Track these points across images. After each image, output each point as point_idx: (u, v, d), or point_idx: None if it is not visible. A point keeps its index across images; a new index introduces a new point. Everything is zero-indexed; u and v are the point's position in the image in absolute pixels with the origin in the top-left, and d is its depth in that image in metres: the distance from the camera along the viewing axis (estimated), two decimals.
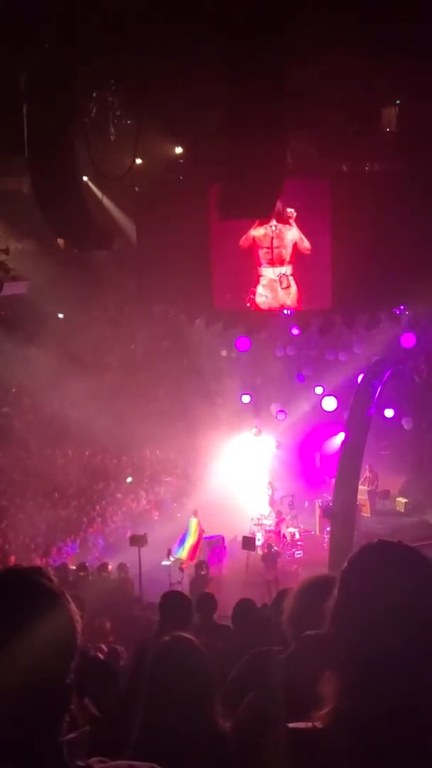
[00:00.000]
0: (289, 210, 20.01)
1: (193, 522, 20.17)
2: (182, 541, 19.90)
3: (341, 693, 1.81)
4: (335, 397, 24.16)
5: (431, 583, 1.84)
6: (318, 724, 1.84)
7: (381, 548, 1.93)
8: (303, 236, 20.53)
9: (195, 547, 19.82)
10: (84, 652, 5.85)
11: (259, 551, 19.68)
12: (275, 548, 19.50)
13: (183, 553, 19.58)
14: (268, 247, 20.94)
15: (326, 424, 24.11)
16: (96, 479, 24.58)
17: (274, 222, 20.25)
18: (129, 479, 24.49)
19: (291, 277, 20.86)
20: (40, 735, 1.66)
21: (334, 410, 23.57)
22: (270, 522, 21.11)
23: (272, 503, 22.28)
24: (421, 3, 12.30)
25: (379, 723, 1.75)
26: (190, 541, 19.91)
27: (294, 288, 21.09)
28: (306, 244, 20.46)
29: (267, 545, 19.53)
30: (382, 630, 1.77)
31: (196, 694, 2.45)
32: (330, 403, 23.58)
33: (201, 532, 20.02)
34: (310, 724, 1.85)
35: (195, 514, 20.47)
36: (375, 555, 1.91)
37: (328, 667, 1.87)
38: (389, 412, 23.06)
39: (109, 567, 18.60)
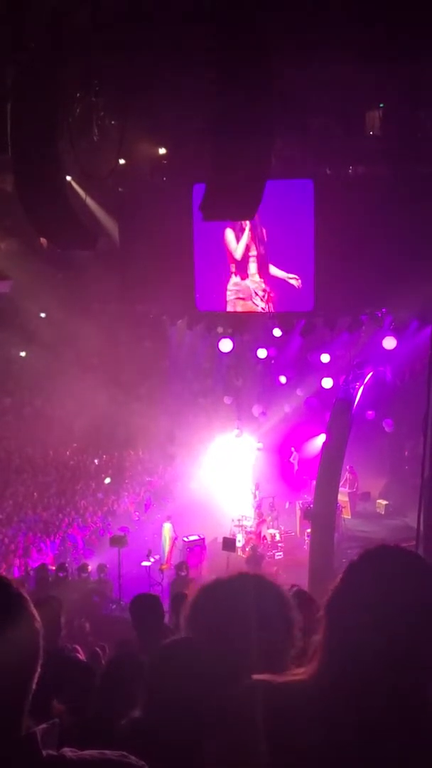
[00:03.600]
0: None
1: (166, 527, 20.14)
2: (161, 547, 19.89)
3: (322, 661, 1.90)
4: (317, 397, 24.27)
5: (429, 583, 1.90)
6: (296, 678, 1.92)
7: (383, 553, 1.98)
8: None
9: (170, 553, 19.82)
10: (63, 652, 5.84)
11: (241, 553, 19.68)
12: (259, 550, 19.51)
13: (164, 560, 19.59)
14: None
15: (307, 426, 24.17)
16: (76, 479, 24.51)
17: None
18: (107, 480, 24.44)
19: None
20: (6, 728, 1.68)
21: (317, 410, 23.65)
22: (250, 523, 21.12)
23: (256, 506, 22.28)
24: (405, 9, 12.38)
25: (361, 701, 1.82)
26: (166, 546, 19.91)
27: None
28: None
29: (251, 547, 19.53)
30: (378, 625, 1.83)
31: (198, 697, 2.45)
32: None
33: (174, 536, 20.00)
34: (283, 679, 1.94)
35: (168, 519, 20.45)
36: (377, 555, 1.97)
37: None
38: (370, 415, 23.16)
39: (89, 567, 18.57)
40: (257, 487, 22.53)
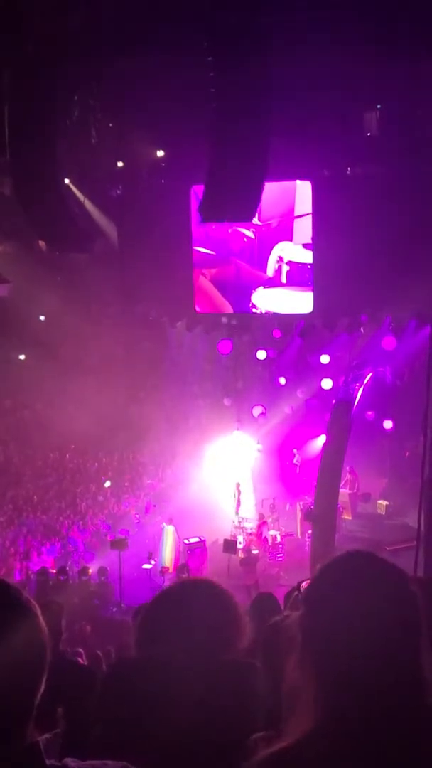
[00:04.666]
0: None
1: (169, 529, 20.10)
2: (160, 551, 19.84)
3: (314, 705, 1.80)
4: (317, 398, 24.27)
5: (403, 592, 1.84)
6: (290, 739, 1.82)
7: (350, 558, 1.92)
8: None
9: (176, 555, 19.77)
10: (63, 656, 5.82)
11: (242, 554, 19.66)
12: (255, 552, 19.49)
13: (164, 562, 19.53)
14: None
15: (307, 427, 24.15)
16: (76, 482, 24.49)
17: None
18: (107, 483, 24.41)
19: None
20: (7, 739, 1.67)
21: (317, 411, 23.63)
22: (251, 525, 21.09)
23: (236, 505, 22.31)
24: (402, 9, 12.39)
25: (355, 735, 1.75)
26: (167, 548, 19.85)
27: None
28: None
29: (246, 549, 19.51)
30: (353, 641, 1.76)
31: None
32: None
33: (178, 538, 19.96)
34: (284, 744, 1.83)
35: (170, 521, 20.41)
36: (345, 565, 1.90)
37: (298, 679, 1.86)
38: (370, 415, 23.16)
39: (90, 570, 18.54)
40: (237, 487, 22.50)
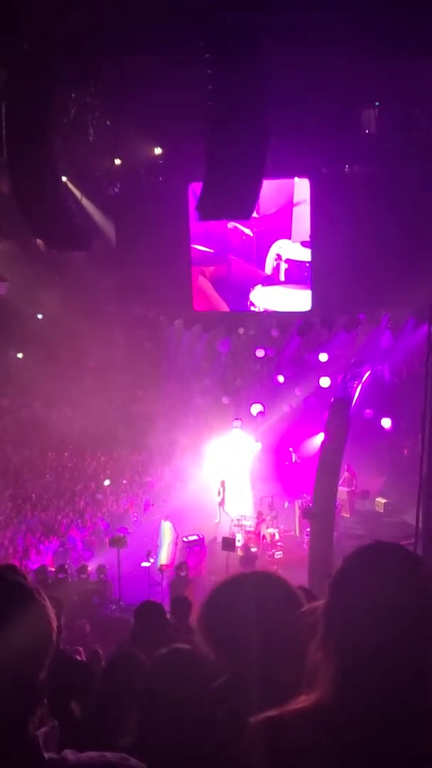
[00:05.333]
0: None
1: (166, 525, 20.11)
2: (158, 548, 19.85)
3: (331, 684, 1.84)
4: (315, 396, 24.30)
5: (425, 581, 1.88)
6: (293, 708, 1.87)
7: (376, 549, 1.97)
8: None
9: (173, 552, 19.77)
10: (63, 654, 5.83)
11: (241, 552, 19.67)
12: (254, 550, 19.49)
13: (162, 558, 19.53)
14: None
15: (306, 425, 24.17)
16: (75, 480, 24.49)
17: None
18: (107, 482, 24.42)
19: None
20: (12, 730, 1.68)
21: (315, 409, 23.65)
22: (250, 523, 21.11)
23: (222, 503, 22.37)
24: (400, 8, 12.37)
25: (369, 714, 1.79)
26: (166, 545, 19.85)
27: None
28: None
29: (245, 547, 19.50)
30: (375, 626, 1.81)
31: (197, 707, 2.40)
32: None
33: (176, 535, 19.96)
34: (290, 710, 1.88)
35: (166, 517, 20.42)
36: (371, 555, 1.96)
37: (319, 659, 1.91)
38: (368, 413, 23.17)
39: (89, 568, 18.55)
40: (222, 484, 22.53)
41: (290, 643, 2.28)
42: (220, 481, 22.45)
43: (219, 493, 22.26)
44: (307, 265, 21.71)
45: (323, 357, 24.23)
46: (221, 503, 22.09)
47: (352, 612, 1.85)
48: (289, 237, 21.74)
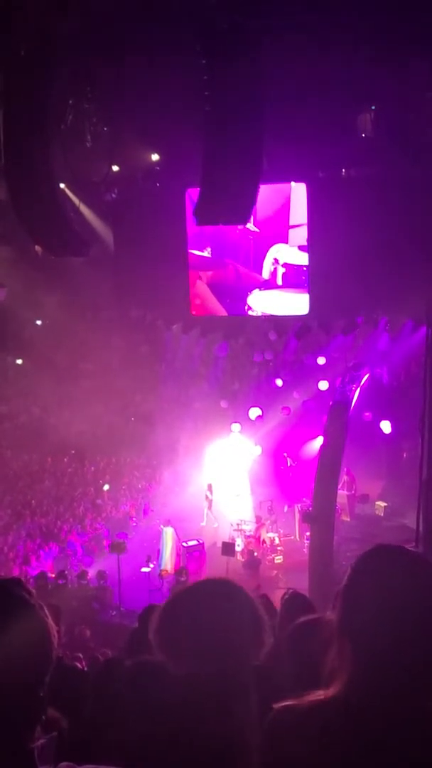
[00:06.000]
0: None
1: (168, 531, 20.10)
2: (160, 553, 19.84)
3: (347, 681, 1.92)
4: (314, 399, 24.30)
5: (428, 581, 1.95)
6: (308, 700, 1.95)
7: (379, 553, 2.03)
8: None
9: (177, 557, 19.77)
10: (61, 661, 5.82)
11: (240, 557, 19.65)
12: (256, 554, 19.46)
13: (165, 564, 19.52)
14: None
15: (304, 428, 24.16)
16: (74, 486, 24.48)
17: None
18: (106, 487, 24.40)
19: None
20: (11, 743, 1.67)
21: (314, 413, 23.66)
22: (249, 527, 21.09)
23: (210, 506, 22.38)
24: (396, 11, 12.41)
25: (384, 708, 1.85)
26: (168, 550, 19.85)
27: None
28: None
29: (248, 552, 19.47)
30: (391, 626, 1.88)
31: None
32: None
33: (178, 539, 19.96)
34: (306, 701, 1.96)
35: (168, 522, 20.41)
36: (374, 560, 2.02)
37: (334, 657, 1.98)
38: (367, 416, 23.17)
39: (89, 574, 18.53)
40: (210, 488, 22.54)
41: (248, 652, 2.33)
42: (208, 484, 22.55)
43: (206, 497, 22.34)
44: (305, 268, 21.72)
45: (321, 360, 24.23)
46: (209, 507, 22.18)
47: (363, 617, 1.92)
48: (286, 241, 21.76)
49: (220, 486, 22.92)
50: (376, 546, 2.06)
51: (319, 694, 1.97)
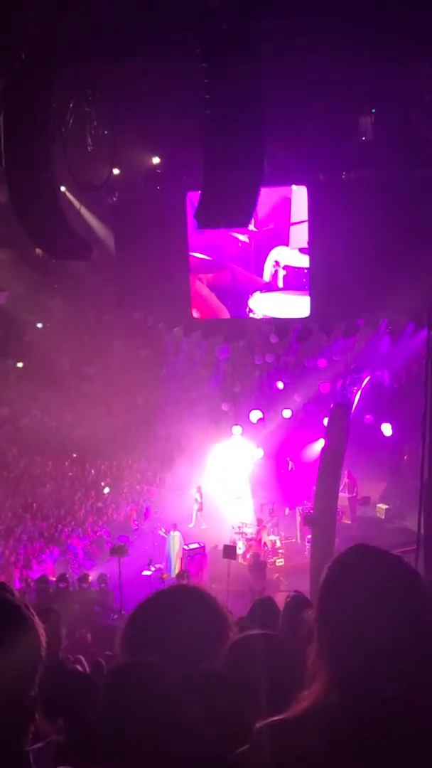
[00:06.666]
0: None
1: (175, 535, 20.10)
2: (168, 559, 19.84)
3: (326, 687, 1.90)
4: (315, 402, 24.31)
5: (413, 585, 1.93)
6: (299, 715, 1.92)
7: (363, 552, 2.02)
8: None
9: (182, 562, 19.78)
10: (62, 665, 5.81)
11: (241, 560, 19.62)
12: (261, 557, 19.43)
13: (174, 569, 19.52)
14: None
15: (305, 431, 24.16)
16: (75, 489, 24.47)
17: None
18: (107, 489, 24.40)
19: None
20: (3, 743, 1.67)
21: (315, 415, 23.65)
22: (251, 530, 21.07)
23: (200, 509, 22.40)
24: (396, 14, 12.41)
25: (365, 715, 1.83)
26: (175, 555, 19.85)
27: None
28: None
29: (253, 555, 19.45)
30: (367, 630, 1.86)
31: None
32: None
33: (183, 545, 19.99)
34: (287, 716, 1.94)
35: (174, 527, 20.39)
36: (350, 562, 2.00)
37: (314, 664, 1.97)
38: (368, 419, 23.17)
39: (90, 578, 18.51)
40: (199, 490, 22.53)
41: (214, 658, 2.39)
42: (197, 486, 22.60)
43: (196, 500, 22.38)
44: (306, 271, 21.71)
45: (322, 363, 24.23)
46: (200, 509, 22.22)
47: (339, 621, 1.91)
48: (287, 244, 21.76)
49: (222, 489, 22.95)
50: (350, 548, 2.05)
51: (300, 702, 1.95)
